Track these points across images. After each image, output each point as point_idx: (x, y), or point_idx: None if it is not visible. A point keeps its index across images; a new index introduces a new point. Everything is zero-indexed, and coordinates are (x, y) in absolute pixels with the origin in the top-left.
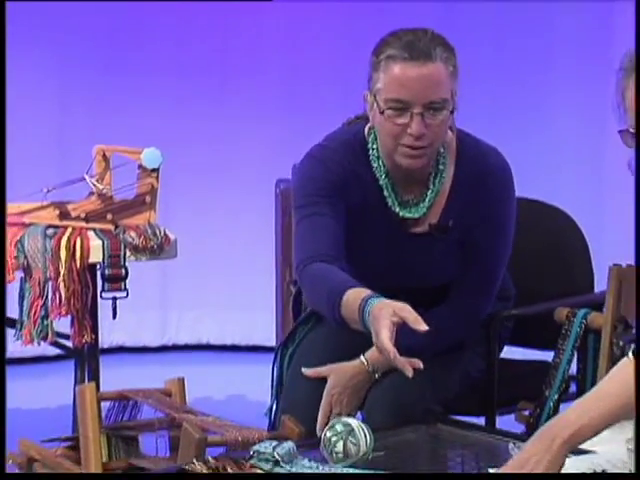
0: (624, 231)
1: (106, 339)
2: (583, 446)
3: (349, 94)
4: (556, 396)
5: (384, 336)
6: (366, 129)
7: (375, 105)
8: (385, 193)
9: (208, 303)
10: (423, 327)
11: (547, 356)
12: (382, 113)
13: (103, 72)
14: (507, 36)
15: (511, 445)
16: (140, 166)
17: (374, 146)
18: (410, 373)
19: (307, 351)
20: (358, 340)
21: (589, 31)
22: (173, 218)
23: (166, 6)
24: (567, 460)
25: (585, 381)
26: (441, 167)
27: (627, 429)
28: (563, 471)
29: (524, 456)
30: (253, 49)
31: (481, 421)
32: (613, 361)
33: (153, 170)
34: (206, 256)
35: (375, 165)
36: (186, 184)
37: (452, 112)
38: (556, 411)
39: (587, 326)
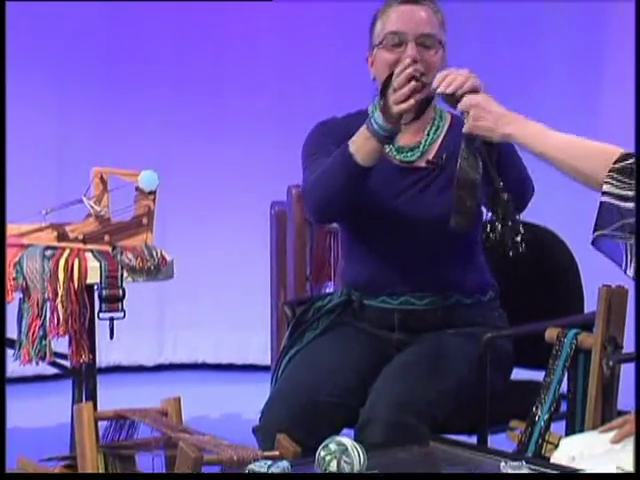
0: None
1: (103, 358)
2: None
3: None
4: (547, 415)
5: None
6: (369, 107)
7: (375, 51)
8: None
9: (204, 323)
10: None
11: (538, 375)
12: (381, 44)
13: (101, 96)
14: (498, 48)
15: (503, 464)
16: (137, 188)
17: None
18: None
19: (314, 352)
20: (364, 350)
21: (580, 45)
22: (170, 239)
23: (163, 29)
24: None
25: (575, 400)
26: (437, 120)
27: (618, 456)
28: None
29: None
30: (250, 71)
31: (473, 440)
32: (603, 381)
33: (150, 192)
34: (202, 277)
35: None
36: (182, 205)
37: (443, 47)
38: (547, 430)
39: (577, 346)
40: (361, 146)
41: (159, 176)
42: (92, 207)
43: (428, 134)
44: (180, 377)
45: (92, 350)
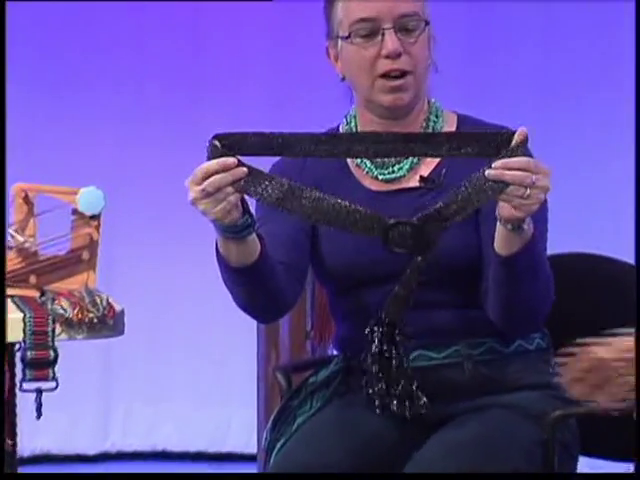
0: None
1: (26, 445)
2: None
3: None
4: None
5: None
6: (341, 125)
7: (340, 43)
8: (357, 160)
9: (165, 397)
10: None
11: (623, 467)
12: (348, 39)
13: (33, 95)
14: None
15: None
16: (75, 211)
17: (348, 117)
18: None
19: (309, 434)
20: (375, 428)
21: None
22: (120, 282)
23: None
24: None
25: None
26: (431, 122)
27: None
28: None
29: None
30: (228, 78)
31: None
32: None
33: (93, 217)
34: (164, 333)
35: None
36: (137, 235)
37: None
38: None
39: None
40: (224, 249)
41: (105, 196)
42: (13, 237)
43: None
44: (132, 469)
45: (12, 434)
